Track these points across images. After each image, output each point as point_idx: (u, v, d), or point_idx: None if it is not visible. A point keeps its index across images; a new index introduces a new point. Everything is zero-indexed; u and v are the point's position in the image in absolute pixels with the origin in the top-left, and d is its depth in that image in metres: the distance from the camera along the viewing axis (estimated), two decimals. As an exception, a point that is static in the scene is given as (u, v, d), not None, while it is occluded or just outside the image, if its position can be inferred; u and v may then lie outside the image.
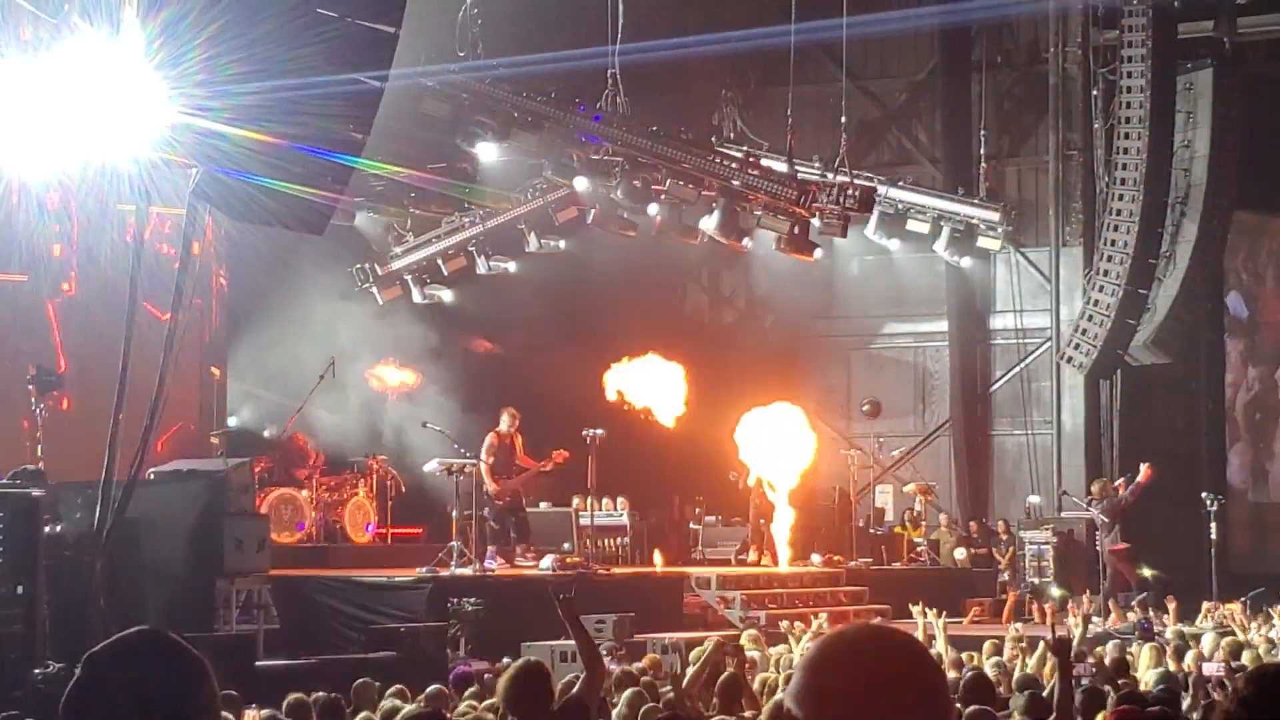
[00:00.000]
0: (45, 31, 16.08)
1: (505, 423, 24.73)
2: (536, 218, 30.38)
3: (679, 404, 27.41)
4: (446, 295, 30.36)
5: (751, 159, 28.73)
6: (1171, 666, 15.32)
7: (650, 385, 27.26)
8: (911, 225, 30.15)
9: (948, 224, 30.04)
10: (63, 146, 16.28)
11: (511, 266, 30.44)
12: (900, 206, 30.09)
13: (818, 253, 28.67)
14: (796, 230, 27.68)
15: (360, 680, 13.73)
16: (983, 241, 30.27)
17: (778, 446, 28.15)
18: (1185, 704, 12.80)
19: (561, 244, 30.55)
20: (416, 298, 30.10)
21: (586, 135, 28.25)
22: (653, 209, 28.67)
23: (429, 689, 13.17)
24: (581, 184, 28.86)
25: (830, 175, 28.34)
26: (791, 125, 27.78)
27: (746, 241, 29.04)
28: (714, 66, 31.15)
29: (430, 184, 29.43)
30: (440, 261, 30.15)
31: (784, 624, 20.26)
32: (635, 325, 29.34)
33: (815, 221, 27.64)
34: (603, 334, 29.49)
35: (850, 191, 27.41)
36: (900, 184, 30.41)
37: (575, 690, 9.67)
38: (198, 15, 14.03)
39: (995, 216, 30.13)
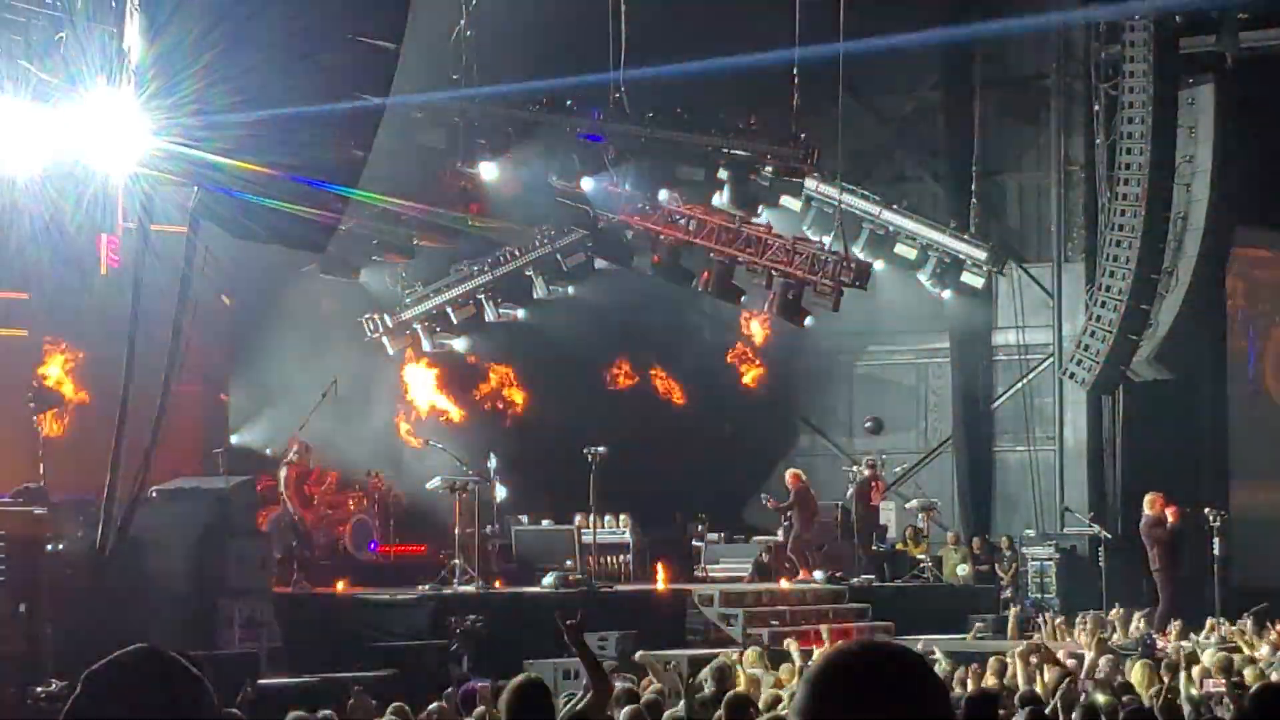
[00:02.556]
0: (37, 59, 16.10)
1: (296, 454, 24.69)
2: (544, 264, 30.27)
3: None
4: (457, 343, 30.35)
5: (754, 126, 28.78)
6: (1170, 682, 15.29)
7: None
8: (899, 249, 30.21)
9: (935, 254, 30.12)
10: (58, 169, 16.29)
11: (520, 313, 30.41)
12: (891, 229, 30.13)
13: (809, 320, 28.73)
14: (791, 295, 27.87)
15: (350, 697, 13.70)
16: (967, 277, 30.43)
17: None
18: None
19: (570, 289, 30.50)
20: (426, 346, 30.04)
21: (587, 135, 28.21)
22: (663, 195, 28.70)
23: (430, 707, 13.14)
24: (588, 185, 28.86)
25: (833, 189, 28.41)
26: (796, 86, 27.47)
27: (744, 299, 29.28)
28: (714, 85, 31.07)
29: (431, 213, 29.30)
30: (450, 310, 30.08)
31: (787, 641, 20.20)
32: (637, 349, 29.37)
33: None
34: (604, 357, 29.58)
35: (847, 263, 27.54)
36: (894, 208, 30.39)
37: (581, 706, 9.66)
38: (192, 45, 14.00)
39: (982, 255, 30.23)
